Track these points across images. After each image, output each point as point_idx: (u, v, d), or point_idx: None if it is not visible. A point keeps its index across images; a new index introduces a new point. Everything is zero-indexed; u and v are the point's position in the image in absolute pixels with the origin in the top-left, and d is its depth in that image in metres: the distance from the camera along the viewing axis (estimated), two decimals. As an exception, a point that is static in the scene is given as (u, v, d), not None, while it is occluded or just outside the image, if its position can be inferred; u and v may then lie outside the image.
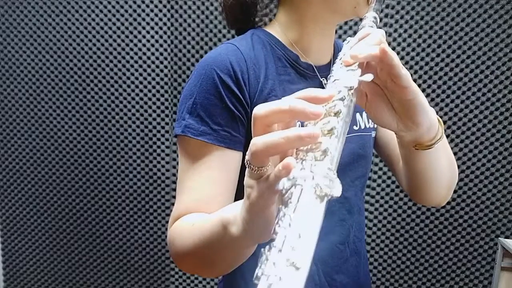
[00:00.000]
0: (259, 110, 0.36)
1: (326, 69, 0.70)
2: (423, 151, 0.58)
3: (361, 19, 0.60)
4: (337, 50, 0.74)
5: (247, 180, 0.39)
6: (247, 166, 0.38)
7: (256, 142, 0.35)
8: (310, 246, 0.26)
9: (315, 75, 0.69)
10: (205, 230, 0.52)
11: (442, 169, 0.65)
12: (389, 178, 1.53)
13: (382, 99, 0.52)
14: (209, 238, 0.51)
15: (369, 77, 0.44)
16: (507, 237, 1.50)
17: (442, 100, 1.46)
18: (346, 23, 1.47)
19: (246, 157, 0.37)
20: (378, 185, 1.53)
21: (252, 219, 0.41)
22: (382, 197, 1.54)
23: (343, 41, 0.71)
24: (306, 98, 0.36)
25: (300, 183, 0.30)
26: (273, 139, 0.34)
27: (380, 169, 1.52)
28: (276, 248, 0.26)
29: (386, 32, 0.59)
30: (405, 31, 1.43)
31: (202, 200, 0.60)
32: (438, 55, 1.43)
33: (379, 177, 1.53)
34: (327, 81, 0.69)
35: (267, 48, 0.66)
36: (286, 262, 0.25)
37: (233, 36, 1.51)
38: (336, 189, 0.31)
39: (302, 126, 0.39)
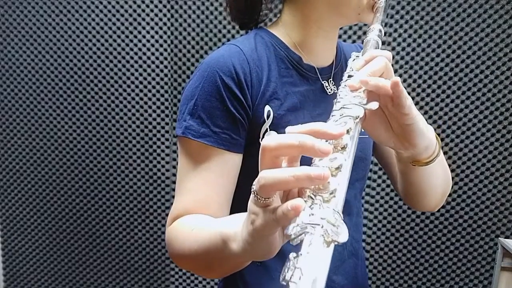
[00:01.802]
0: (269, 142, 0.36)
1: (328, 71, 0.70)
2: (420, 166, 0.58)
3: (365, 24, 0.60)
4: (339, 51, 0.74)
5: (251, 206, 0.39)
6: (253, 194, 0.38)
7: (266, 176, 0.35)
8: None
9: (316, 77, 0.68)
10: (205, 240, 0.52)
11: (437, 181, 0.66)
12: (388, 178, 1.52)
13: (381, 118, 0.52)
14: (208, 248, 0.51)
15: (374, 105, 0.45)
16: (507, 237, 1.50)
17: (442, 100, 1.46)
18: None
19: (253, 186, 0.37)
20: (378, 185, 1.53)
21: (255, 242, 0.41)
22: (382, 197, 1.54)
23: (344, 41, 0.71)
24: (315, 132, 0.36)
25: (310, 231, 0.31)
26: (283, 176, 0.34)
27: (380, 169, 1.52)
28: None
29: (386, 33, 0.59)
30: (405, 31, 1.43)
31: (201, 202, 0.60)
32: (438, 55, 1.43)
33: (379, 177, 1.53)
34: (328, 83, 0.69)
35: (270, 49, 0.66)
36: None
37: (233, 37, 1.51)
38: (343, 235, 0.31)
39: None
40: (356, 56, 0.56)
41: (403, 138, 0.52)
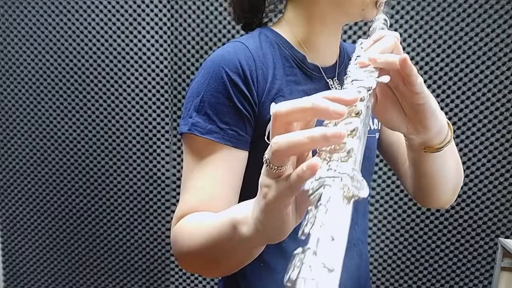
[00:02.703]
0: (281, 107, 0.35)
1: (332, 70, 0.70)
2: (432, 154, 0.58)
3: (365, 24, 0.60)
4: (343, 51, 0.74)
5: (263, 179, 0.38)
6: (265, 164, 0.36)
7: (279, 141, 0.34)
8: (341, 248, 0.26)
9: (321, 76, 0.68)
10: (213, 230, 0.51)
11: (449, 172, 0.65)
12: (389, 178, 1.53)
13: (393, 101, 0.52)
14: (217, 238, 0.50)
15: (386, 78, 0.44)
16: (507, 237, 1.50)
17: (442, 100, 1.46)
18: (346, 23, 1.47)
19: (265, 155, 0.36)
20: (378, 185, 1.53)
21: (267, 219, 0.39)
22: (382, 197, 1.54)
23: (345, 41, 0.70)
24: (329, 98, 0.35)
25: (329, 183, 0.30)
26: (298, 138, 0.33)
27: (380, 169, 1.52)
28: (311, 251, 0.26)
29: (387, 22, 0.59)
30: (405, 31, 1.43)
31: (207, 199, 0.60)
32: (438, 55, 1.43)
33: (379, 177, 1.53)
34: (333, 82, 0.69)
35: (275, 48, 0.66)
36: (321, 265, 0.25)
37: (233, 37, 1.51)
38: (364, 190, 0.30)
39: (321, 125, 0.38)
40: (363, 41, 0.55)
41: (415, 120, 0.51)
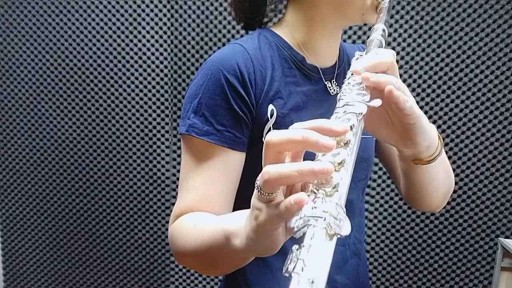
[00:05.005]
0: (273, 137, 0.36)
1: (331, 72, 0.70)
2: (422, 165, 0.58)
3: (365, 24, 0.60)
4: (342, 52, 0.74)
5: (255, 202, 0.39)
6: (256, 190, 0.38)
7: (270, 171, 0.35)
8: None
9: (319, 78, 0.69)
10: (207, 236, 0.52)
11: (439, 181, 0.66)
12: (389, 178, 1.53)
13: (383, 116, 0.52)
14: (211, 244, 0.52)
15: (377, 102, 0.45)
16: (507, 237, 1.51)
17: (442, 100, 1.46)
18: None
19: (257, 181, 0.38)
20: (378, 185, 1.53)
21: (258, 238, 0.41)
22: (382, 197, 1.54)
23: (344, 41, 0.70)
24: (319, 128, 0.36)
25: (312, 223, 0.31)
26: (287, 171, 0.35)
27: (380, 169, 1.52)
28: None
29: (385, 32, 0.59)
30: (405, 31, 1.43)
31: (204, 199, 0.61)
32: (438, 55, 1.43)
33: (379, 177, 1.53)
34: (331, 84, 0.69)
35: (274, 49, 0.66)
36: None
37: (233, 37, 1.51)
38: (345, 228, 0.32)
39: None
40: (360, 55, 0.55)
41: (405, 136, 0.52)
